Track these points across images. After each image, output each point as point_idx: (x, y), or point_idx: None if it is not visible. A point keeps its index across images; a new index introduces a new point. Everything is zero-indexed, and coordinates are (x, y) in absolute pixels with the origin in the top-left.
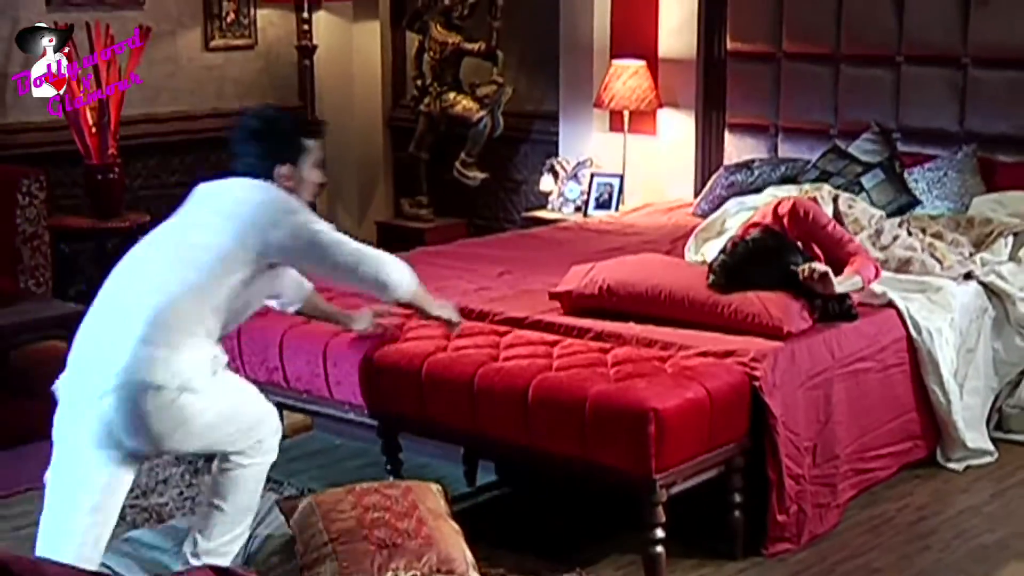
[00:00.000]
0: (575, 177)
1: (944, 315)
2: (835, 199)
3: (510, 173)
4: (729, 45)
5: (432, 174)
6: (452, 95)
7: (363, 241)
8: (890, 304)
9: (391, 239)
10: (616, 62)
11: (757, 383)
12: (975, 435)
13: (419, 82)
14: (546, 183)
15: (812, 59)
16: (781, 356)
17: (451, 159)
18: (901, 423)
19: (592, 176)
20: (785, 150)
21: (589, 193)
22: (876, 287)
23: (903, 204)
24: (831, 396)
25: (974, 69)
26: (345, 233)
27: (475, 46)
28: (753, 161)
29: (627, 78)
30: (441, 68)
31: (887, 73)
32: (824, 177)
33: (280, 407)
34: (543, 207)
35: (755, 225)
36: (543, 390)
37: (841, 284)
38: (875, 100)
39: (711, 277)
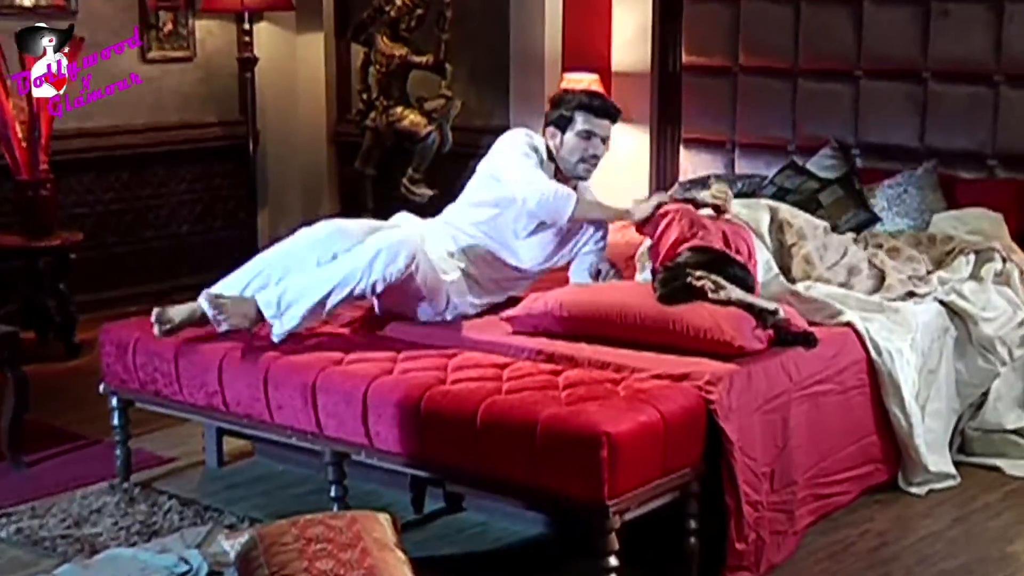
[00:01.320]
0: None
1: (905, 335)
2: (774, 210)
3: (459, 190)
4: (684, 58)
5: (378, 191)
6: (399, 109)
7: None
8: (848, 324)
9: None
10: (568, 75)
11: (713, 407)
12: (937, 458)
13: (365, 96)
14: None
15: (770, 73)
16: (737, 379)
17: (398, 175)
18: (861, 446)
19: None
20: (742, 166)
21: None
22: (835, 305)
23: (862, 221)
24: (789, 420)
25: (934, 83)
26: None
27: (423, 59)
28: (709, 177)
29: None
30: (388, 81)
31: (846, 88)
32: (781, 194)
33: (220, 433)
34: None
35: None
36: (492, 414)
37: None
38: (834, 115)
39: (657, 291)
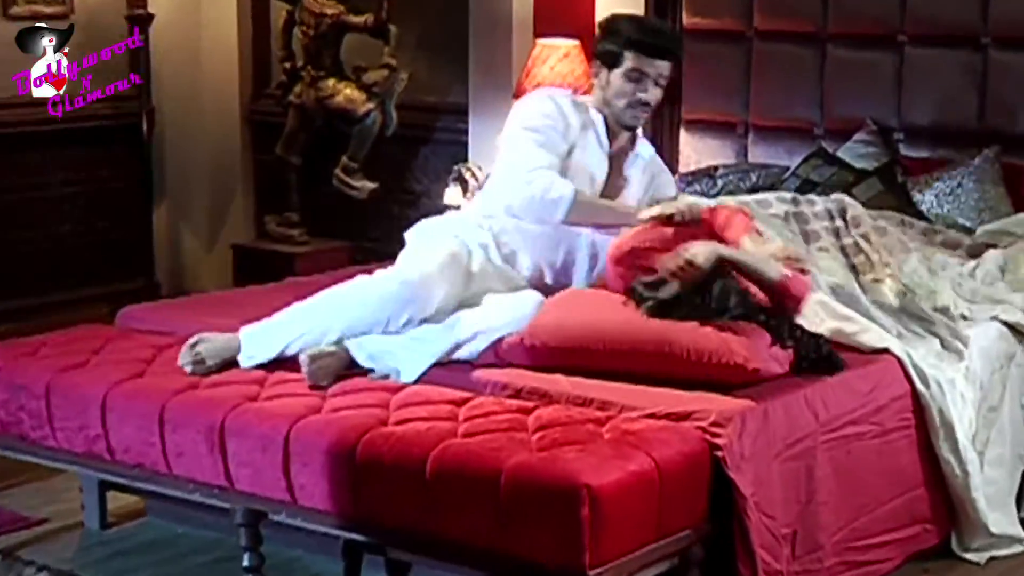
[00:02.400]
0: None
1: (957, 363)
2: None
3: (407, 182)
4: (686, 20)
5: (306, 184)
6: (331, 82)
7: (217, 271)
8: (887, 350)
9: (251, 267)
10: (542, 42)
11: (720, 453)
12: (1000, 517)
13: (288, 65)
14: (452, 195)
15: (792, 39)
16: (751, 419)
17: (330, 164)
18: (905, 502)
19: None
20: (757, 154)
21: None
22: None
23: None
24: (815, 469)
25: (996, 51)
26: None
27: (361, 19)
28: (716, 168)
29: (556, 62)
30: (317, 47)
31: (887, 56)
32: (806, 188)
33: (103, 487)
34: None
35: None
36: (446, 462)
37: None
38: (871, 91)
39: (644, 306)
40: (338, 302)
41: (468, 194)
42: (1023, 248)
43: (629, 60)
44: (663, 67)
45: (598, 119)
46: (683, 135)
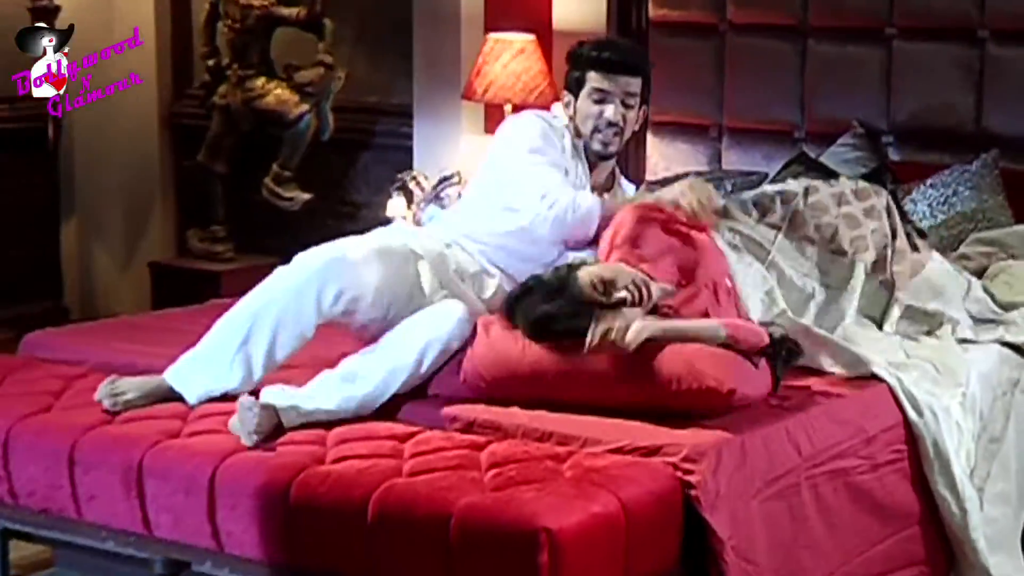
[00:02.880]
0: (437, 199)
1: (953, 389)
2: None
3: (345, 193)
4: (652, 12)
5: (232, 194)
6: (260, 82)
7: (133, 293)
8: (875, 376)
9: (172, 287)
10: (493, 36)
11: (694, 492)
12: (1003, 560)
13: (212, 62)
14: (396, 207)
15: (769, 32)
16: (727, 453)
17: (260, 173)
18: (899, 543)
19: (461, 197)
20: (732, 160)
21: None
22: (856, 351)
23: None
24: (800, 508)
25: (995, 45)
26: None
27: (293, 11)
28: (687, 176)
29: (509, 59)
30: (244, 43)
31: (874, 51)
32: None
33: (4, 535)
34: None
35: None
36: (390, 504)
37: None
38: (857, 89)
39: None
40: (262, 296)
41: (413, 205)
42: (1002, 270)
43: (591, 80)
44: (627, 84)
45: (579, 149)
46: (650, 139)
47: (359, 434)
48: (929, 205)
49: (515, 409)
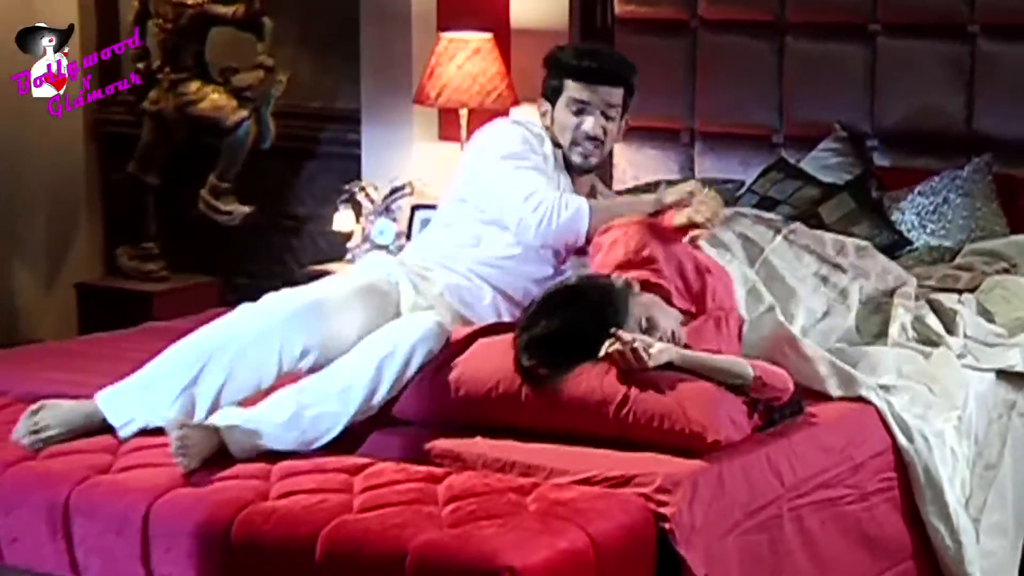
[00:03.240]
0: (387, 211)
1: (948, 412)
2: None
3: (288, 206)
4: (618, 8)
5: (165, 208)
6: (195, 86)
7: (58, 316)
8: (861, 399)
9: (100, 310)
10: (447, 35)
11: (668, 525)
12: None
13: (142, 65)
14: (343, 220)
15: (744, 29)
16: (704, 483)
17: (195, 185)
18: None
19: (414, 210)
20: (705, 166)
21: (409, 235)
22: (848, 370)
23: (884, 244)
24: (782, 542)
25: (986, 41)
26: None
27: (229, 9)
28: (658, 184)
29: (464, 60)
30: (177, 44)
31: (857, 49)
32: (765, 205)
33: None
34: (339, 257)
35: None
36: (340, 542)
37: (702, 361)
38: (840, 90)
39: (522, 360)
40: (220, 334)
41: (362, 219)
42: (998, 284)
43: (569, 89)
44: (609, 94)
45: (559, 157)
46: (616, 145)
47: (306, 467)
48: (918, 214)
49: (477, 438)
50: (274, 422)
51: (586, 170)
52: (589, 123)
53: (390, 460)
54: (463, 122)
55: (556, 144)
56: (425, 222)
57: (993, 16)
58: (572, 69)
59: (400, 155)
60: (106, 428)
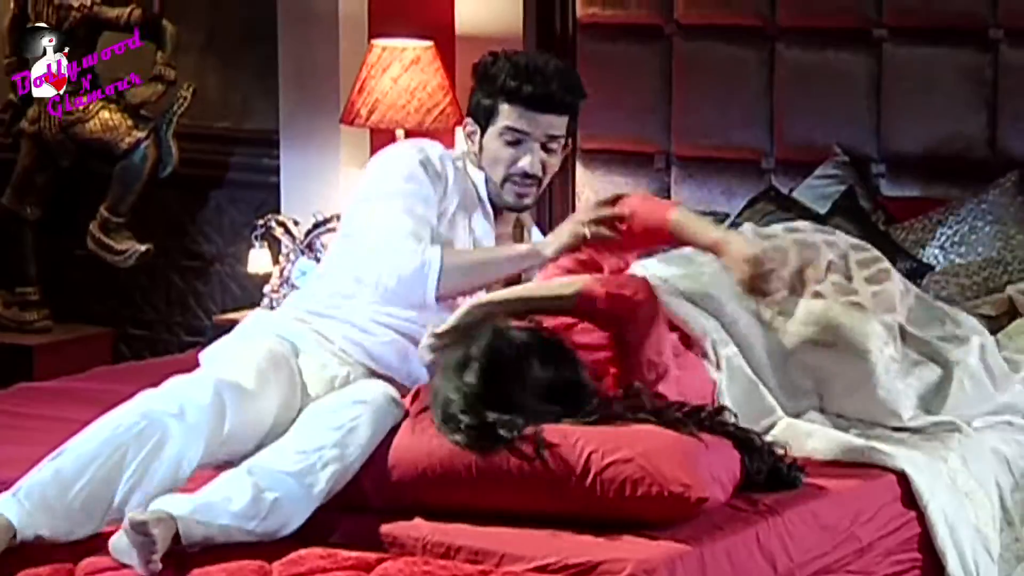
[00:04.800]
0: (310, 248)
1: (986, 478)
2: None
3: (192, 243)
4: (581, 11)
5: (47, 246)
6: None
7: None
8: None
9: None
10: (380, 43)
11: None
12: None
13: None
14: (258, 260)
15: (729, 35)
16: (682, 570)
17: (83, 218)
18: None
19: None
20: (684, 196)
21: None
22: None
23: (902, 274)
24: None
25: (1010, 48)
26: None
27: (123, 12)
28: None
29: (399, 71)
30: (62, 51)
31: (859, 58)
32: None
33: None
34: (253, 304)
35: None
36: None
37: None
38: (839, 106)
39: (456, 437)
40: (128, 422)
41: (281, 258)
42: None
43: (504, 115)
44: (551, 124)
45: (481, 187)
46: (580, 170)
47: (216, 556)
48: (942, 247)
49: (419, 521)
50: (230, 510)
51: (517, 210)
52: (526, 160)
53: (314, 545)
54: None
55: (483, 173)
56: None
57: (1019, 20)
58: (509, 92)
59: (325, 184)
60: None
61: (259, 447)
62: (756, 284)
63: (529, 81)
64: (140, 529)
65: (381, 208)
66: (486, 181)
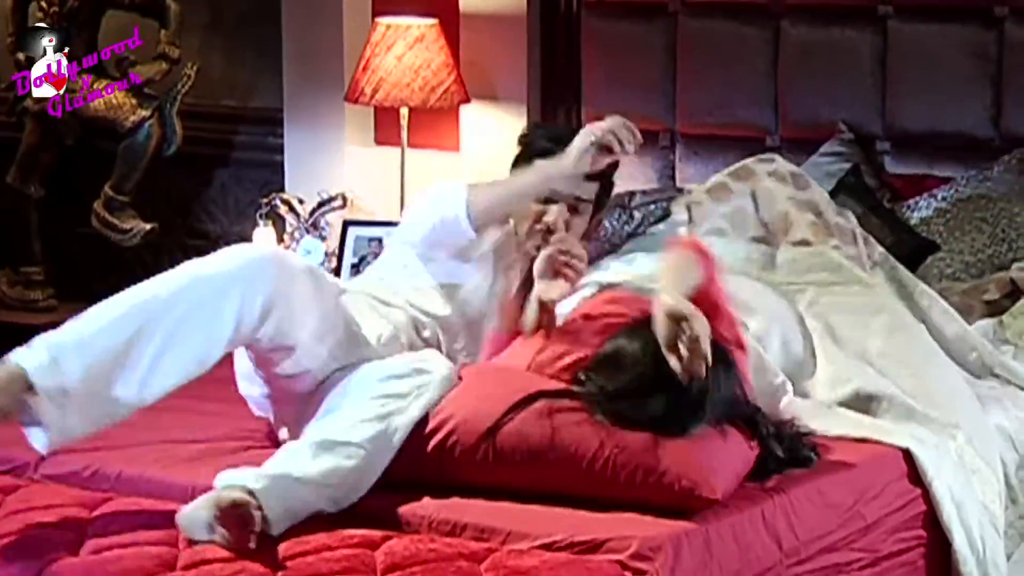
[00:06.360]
0: (315, 227)
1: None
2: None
3: (196, 222)
4: None
5: (52, 225)
6: (84, 81)
7: None
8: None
9: None
10: (384, 21)
11: None
12: None
13: (23, 56)
14: (263, 239)
15: (733, 12)
16: (689, 548)
17: (88, 197)
18: None
19: (346, 226)
20: (688, 174)
21: (341, 256)
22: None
23: (906, 251)
24: None
25: (1016, 27)
26: None
27: None
28: (633, 195)
29: (404, 49)
30: (65, 30)
31: (864, 36)
32: None
33: None
34: None
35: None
36: None
37: None
38: (845, 84)
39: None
40: (162, 290)
41: (285, 236)
42: None
43: None
44: (581, 188)
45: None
46: None
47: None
48: (944, 223)
49: (427, 500)
50: (308, 476)
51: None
52: (552, 214)
53: (320, 523)
54: (404, 123)
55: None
56: (360, 243)
57: None
58: (540, 152)
59: (329, 162)
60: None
61: (307, 355)
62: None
63: (560, 145)
64: (240, 509)
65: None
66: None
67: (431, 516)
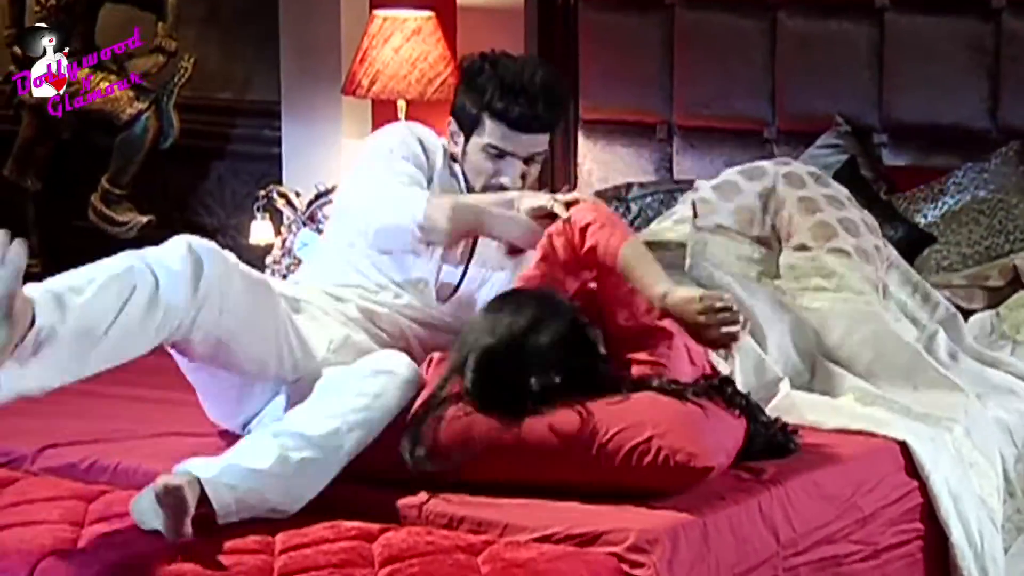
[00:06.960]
0: (312, 220)
1: (989, 451)
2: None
3: (193, 214)
4: None
5: (49, 218)
6: (83, 73)
7: None
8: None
9: None
10: (381, 13)
11: None
12: None
13: (19, 49)
14: (260, 231)
15: (730, 5)
16: (685, 540)
17: (84, 190)
18: None
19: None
20: (685, 166)
21: None
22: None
23: (904, 242)
24: None
25: (1013, 18)
26: None
27: None
28: (629, 187)
29: (401, 41)
30: (62, 24)
31: (861, 28)
32: None
33: None
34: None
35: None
36: None
37: None
38: (842, 76)
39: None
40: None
41: (283, 229)
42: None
43: (488, 132)
44: (534, 143)
45: (461, 181)
46: (581, 141)
47: (218, 525)
48: (941, 215)
49: (423, 495)
50: (257, 468)
51: None
52: (507, 178)
53: (317, 516)
54: (401, 116)
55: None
56: None
57: None
58: (497, 111)
59: (326, 155)
60: None
61: (244, 348)
62: (709, 331)
63: (515, 102)
64: (176, 492)
65: (373, 168)
66: (466, 179)
67: (428, 509)
